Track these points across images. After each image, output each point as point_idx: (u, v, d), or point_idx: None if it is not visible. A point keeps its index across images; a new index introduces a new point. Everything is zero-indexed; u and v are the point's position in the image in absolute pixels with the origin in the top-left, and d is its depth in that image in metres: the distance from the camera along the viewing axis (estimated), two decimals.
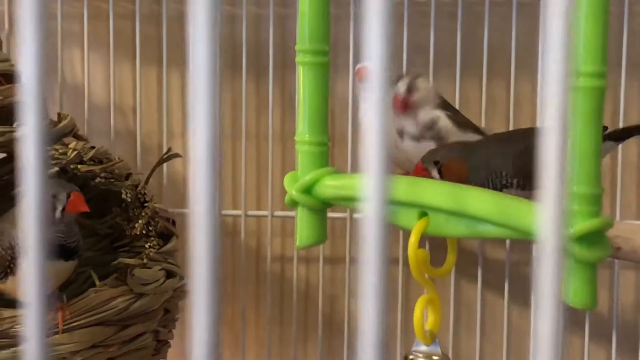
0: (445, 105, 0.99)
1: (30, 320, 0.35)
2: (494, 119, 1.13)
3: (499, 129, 1.09)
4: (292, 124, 1.14)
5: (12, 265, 0.85)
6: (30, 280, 0.35)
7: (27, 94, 0.33)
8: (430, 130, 0.97)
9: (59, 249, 0.87)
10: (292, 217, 1.15)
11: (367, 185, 0.30)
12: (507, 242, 1.12)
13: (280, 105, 1.17)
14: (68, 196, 0.87)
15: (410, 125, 0.98)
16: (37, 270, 0.35)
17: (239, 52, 1.13)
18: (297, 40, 0.78)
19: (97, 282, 0.99)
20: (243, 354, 1.17)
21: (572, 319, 1.13)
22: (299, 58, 0.79)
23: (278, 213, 1.16)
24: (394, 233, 1.17)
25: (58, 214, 0.87)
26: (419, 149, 0.96)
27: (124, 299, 0.93)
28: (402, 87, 0.97)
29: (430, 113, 0.98)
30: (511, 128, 1.11)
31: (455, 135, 0.97)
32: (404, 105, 0.97)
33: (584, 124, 0.67)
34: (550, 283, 0.31)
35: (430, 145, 0.95)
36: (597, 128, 0.67)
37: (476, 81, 1.12)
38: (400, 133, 0.98)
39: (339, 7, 1.12)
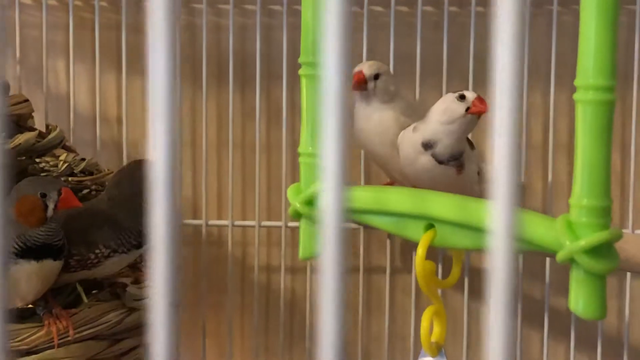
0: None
1: None
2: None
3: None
4: (278, 134, 1.14)
5: None
6: None
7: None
8: (456, 160, 0.87)
9: (48, 248, 0.86)
10: (279, 227, 1.15)
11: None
12: None
13: (266, 115, 1.16)
14: (59, 193, 0.85)
15: (444, 147, 0.87)
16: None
17: (225, 62, 1.13)
18: (300, 53, 0.78)
19: (85, 298, 0.98)
20: None
21: (576, 331, 1.14)
22: (302, 70, 0.78)
23: (264, 223, 1.15)
24: (397, 245, 1.17)
25: (50, 212, 0.85)
26: (438, 171, 0.87)
27: (116, 313, 0.92)
28: (367, 69, 0.92)
29: (460, 144, 0.87)
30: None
31: (472, 156, 0.89)
32: (359, 83, 0.91)
33: (593, 137, 0.67)
34: (502, 286, 0.31)
35: (451, 170, 0.87)
36: (606, 141, 0.68)
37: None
38: (426, 146, 0.87)
39: None
